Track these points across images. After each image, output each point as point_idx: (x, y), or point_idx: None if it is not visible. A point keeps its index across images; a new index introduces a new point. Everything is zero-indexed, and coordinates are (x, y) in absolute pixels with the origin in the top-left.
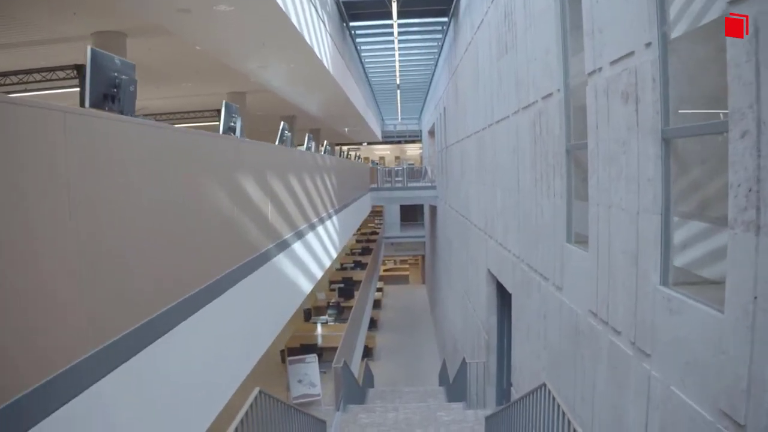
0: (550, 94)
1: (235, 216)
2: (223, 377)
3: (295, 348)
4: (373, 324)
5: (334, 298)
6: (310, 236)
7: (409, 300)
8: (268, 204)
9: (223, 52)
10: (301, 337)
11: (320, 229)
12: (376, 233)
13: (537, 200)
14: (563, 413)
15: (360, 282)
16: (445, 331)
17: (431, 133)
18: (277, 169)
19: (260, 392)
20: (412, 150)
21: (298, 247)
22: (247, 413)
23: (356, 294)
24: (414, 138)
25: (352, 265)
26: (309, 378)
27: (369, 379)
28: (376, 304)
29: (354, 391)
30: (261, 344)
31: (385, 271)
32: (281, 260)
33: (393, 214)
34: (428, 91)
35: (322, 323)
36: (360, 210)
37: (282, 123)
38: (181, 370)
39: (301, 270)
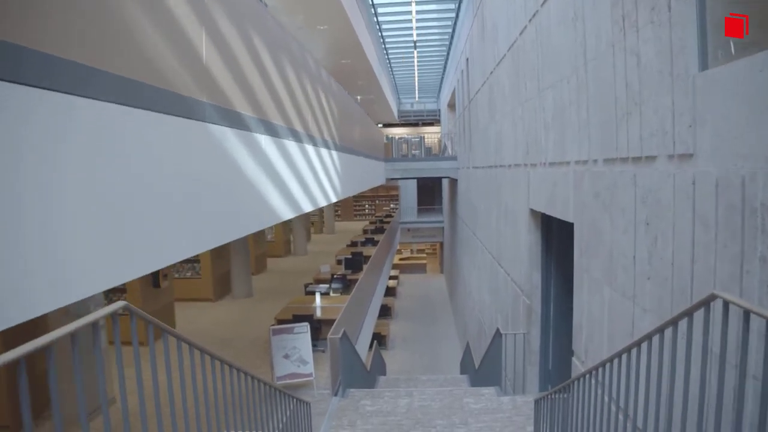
0: None
1: None
2: None
3: (286, 320)
4: (387, 312)
5: (341, 270)
6: (290, 145)
7: (427, 289)
8: (203, 37)
9: None
10: (295, 309)
11: (310, 149)
12: (391, 216)
13: (624, 51)
14: None
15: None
16: (468, 316)
17: (451, 106)
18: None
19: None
20: (431, 135)
21: (265, 142)
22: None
23: (365, 268)
24: (432, 118)
25: (363, 240)
26: (299, 353)
27: (379, 366)
28: (391, 292)
29: (357, 373)
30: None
31: (400, 260)
32: (227, 137)
33: (409, 198)
34: (446, 64)
35: (321, 293)
36: (370, 172)
37: None
38: None
39: (271, 178)
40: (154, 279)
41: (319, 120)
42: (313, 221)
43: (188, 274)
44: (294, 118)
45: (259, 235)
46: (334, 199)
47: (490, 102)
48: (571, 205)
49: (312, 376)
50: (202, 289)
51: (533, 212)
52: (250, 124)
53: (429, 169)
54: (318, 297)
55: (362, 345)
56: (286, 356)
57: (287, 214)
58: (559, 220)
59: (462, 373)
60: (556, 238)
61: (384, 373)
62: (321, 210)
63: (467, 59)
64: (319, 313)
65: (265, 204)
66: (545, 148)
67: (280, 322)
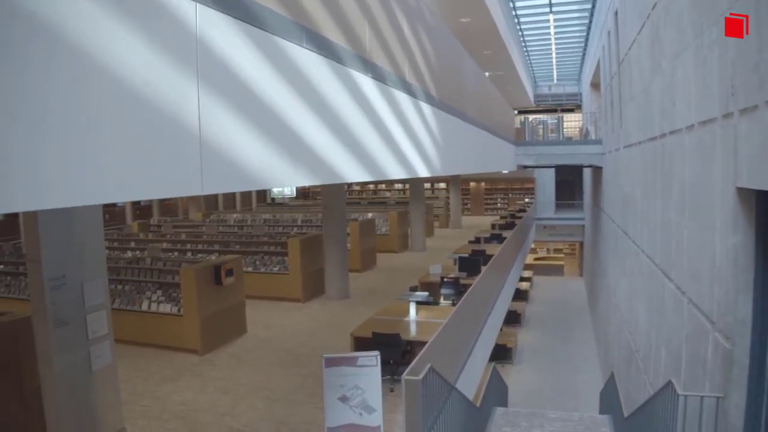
0: None
1: None
2: None
3: (364, 339)
4: (515, 319)
5: (454, 272)
6: (362, 80)
7: (563, 293)
8: None
9: None
10: (381, 323)
11: (395, 93)
12: (525, 211)
13: None
14: None
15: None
16: (613, 335)
17: (594, 85)
18: None
19: None
20: (571, 123)
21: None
22: None
23: (484, 271)
24: (573, 102)
25: (488, 236)
26: (362, 395)
27: (498, 391)
28: (522, 295)
29: (455, 418)
30: None
31: (535, 260)
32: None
33: (547, 192)
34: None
35: (417, 303)
36: (495, 151)
37: None
38: None
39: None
40: (216, 275)
41: (423, 68)
42: (437, 215)
43: (275, 269)
44: (400, 62)
45: (368, 227)
46: (439, 171)
47: (654, 47)
48: None
49: (380, 430)
50: (290, 287)
51: (742, 195)
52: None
53: (567, 154)
54: (412, 309)
55: (475, 365)
56: (344, 399)
57: (368, 175)
58: None
59: (603, 412)
60: None
61: (504, 402)
62: (447, 202)
63: (616, 12)
64: (413, 331)
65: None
66: None
67: (357, 341)
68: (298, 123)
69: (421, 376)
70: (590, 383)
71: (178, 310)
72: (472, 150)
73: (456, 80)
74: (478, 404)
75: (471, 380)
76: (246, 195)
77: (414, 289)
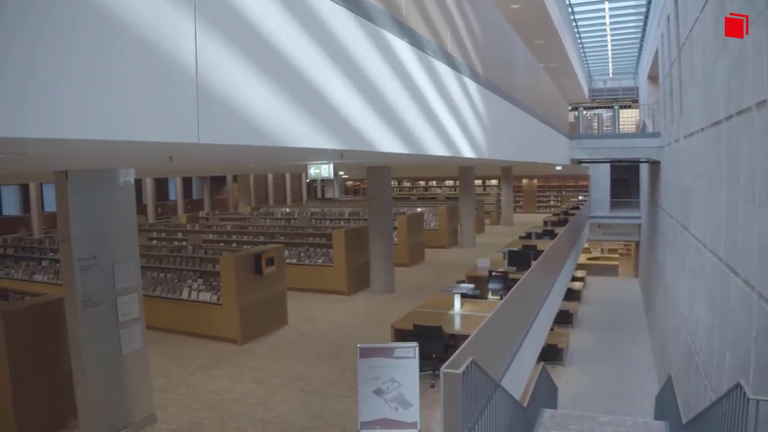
0: None
1: None
2: None
3: (405, 331)
4: (567, 319)
5: (503, 266)
6: (398, 44)
7: (617, 294)
8: None
9: None
10: (423, 315)
11: (435, 63)
12: (578, 209)
13: None
14: None
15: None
16: (671, 336)
17: (652, 77)
18: None
19: None
20: (627, 119)
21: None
22: None
23: (534, 265)
24: (629, 97)
25: (540, 232)
26: (398, 389)
27: (547, 392)
28: (575, 295)
29: (501, 416)
30: None
31: (588, 259)
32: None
33: (601, 189)
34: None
35: (462, 296)
36: (546, 140)
37: None
38: None
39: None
40: (256, 264)
41: (468, 42)
42: (488, 211)
43: (320, 261)
44: (441, 31)
45: (417, 221)
46: (486, 154)
47: (718, 24)
48: None
49: (416, 427)
50: (334, 280)
51: None
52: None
53: (623, 148)
54: (457, 302)
55: (522, 363)
56: (379, 392)
57: (404, 147)
58: None
59: (658, 417)
60: None
61: (553, 404)
62: (498, 199)
63: None
64: (457, 325)
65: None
66: None
67: (398, 333)
68: (321, 79)
69: (461, 370)
70: (645, 387)
71: (218, 299)
72: (521, 137)
73: (504, 61)
74: (524, 404)
75: (518, 379)
76: (297, 191)
77: (460, 282)
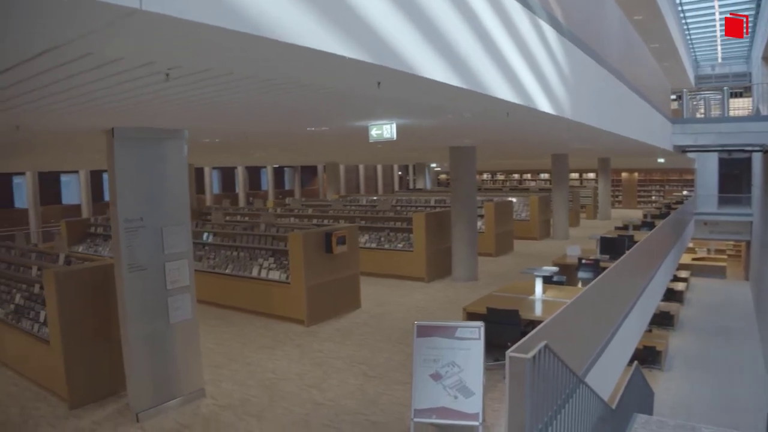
0: None
1: None
2: None
3: (478, 316)
4: (668, 320)
5: (595, 254)
6: None
7: (725, 297)
8: None
9: None
10: (500, 299)
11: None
12: (681, 203)
13: None
14: None
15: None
16: None
17: (766, 59)
18: None
19: None
20: (738, 109)
21: None
22: None
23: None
24: (740, 84)
25: (638, 223)
26: (458, 374)
27: (641, 396)
28: (677, 296)
29: (582, 415)
30: None
31: (693, 260)
32: None
33: (708, 183)
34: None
35: (543, 277)
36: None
37: None
38: None
39: None
40: (327, 242)
41: None
42: (584, 204)
43: (400, 245)
44: None
45: (505, 210)
46: (566, 112)
47: None
48: None
49: (478, 420)
50: (413, 266)
51: None
52: None
53: (733, 133)
54: (539, 286)
55: (611, 361)
56: (436, 377)
57: (455, 78)
58: None
59: None
60: None
61: (647, 410)
62: (595, 192)
63: None
64: (537, 311)
65: None
66: None
67: (470, 318)
68: None
69: (531, 354)
70: (754, 399)
71: (287, 278)
72: (611, 105)
73: (592, 15)
74: (613, 406)
75: (605, 378)
76: (389, 183)
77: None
